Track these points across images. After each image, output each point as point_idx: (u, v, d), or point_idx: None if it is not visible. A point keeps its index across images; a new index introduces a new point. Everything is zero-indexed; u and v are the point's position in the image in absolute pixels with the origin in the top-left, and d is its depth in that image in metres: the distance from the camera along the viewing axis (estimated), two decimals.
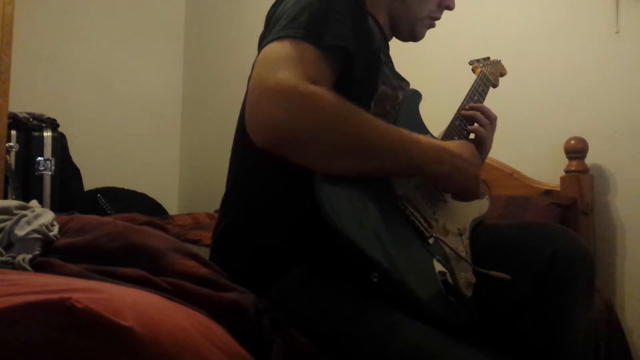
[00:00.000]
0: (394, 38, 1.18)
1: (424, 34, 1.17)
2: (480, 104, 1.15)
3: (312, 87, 0.80)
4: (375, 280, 0.77)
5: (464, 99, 1.16)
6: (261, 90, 0.80)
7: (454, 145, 0.95)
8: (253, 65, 1.00)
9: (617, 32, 1.87)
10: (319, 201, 0.79)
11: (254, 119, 0.82)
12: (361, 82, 0.93)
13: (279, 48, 0.84)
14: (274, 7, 0.98)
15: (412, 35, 1.16)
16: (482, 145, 1.10)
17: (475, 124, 1.10)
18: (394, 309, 0.81)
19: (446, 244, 0.91)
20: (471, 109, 1.12)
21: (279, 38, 0.85)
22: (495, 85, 1.29)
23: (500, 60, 1.37)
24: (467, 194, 0.95)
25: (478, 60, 1.33)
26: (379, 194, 0.87)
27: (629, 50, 1.85)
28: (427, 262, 0.87)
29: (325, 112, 0.80)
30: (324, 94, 0.80)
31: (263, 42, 0.90)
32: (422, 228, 0.90)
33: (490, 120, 1.12)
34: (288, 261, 0.90)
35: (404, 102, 1.06)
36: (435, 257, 0.88)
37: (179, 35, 3.39)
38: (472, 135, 1.12)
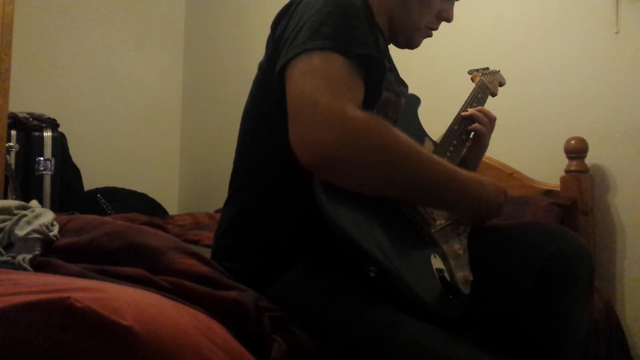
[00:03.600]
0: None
1: (420, 43, 1.18)
2: (480, 106, 1.17)
3: (361, 114, 0.82)
4: (372, 274, 0.78)
5: (463, 105, 1.18)
6: (310, 113, 0.81)
7: (488, 182, 0.99)
8: (259, 67, 1.01)
9: (617, 32, 1.87)
10: (319, 200, 0.80)
11: (303, 140, 0.82)
12: (367, 89, 0.93)
13: (313, 63, 0.85)
14: (284, 15, 0.97)
15: (409, 43, 1.17)
16: (480, 142, 1.11)
17: (475, 123, 1.11)
18: (396, 308, 0.81)
19: (443, 242, 0.92)
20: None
21: (306, 51, 0.85)
22: (494, 94, 1.30)
23: (499, 71, 1.39)
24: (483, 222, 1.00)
25: (477, 70, 1.34)
26: None
27: (629, 50, 1.85)
28: (424, 259, 0.88)
29: (374, 141, 0.82)
30: (372, 120, 0.83)
31: (284, 53, 0.89)
32: (419, 226, 0.91)
33: (490, 120, 1.14)
34: (289, 260, 0.90)
35: (403, 107, 1.07)
36: (432, 254, 0.89)
37: (179, 35, 3.39)
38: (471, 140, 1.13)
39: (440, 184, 0.89)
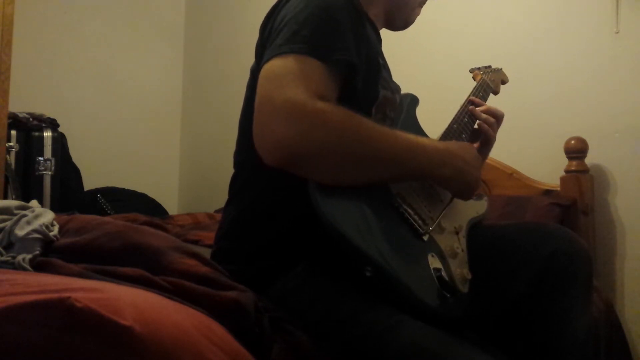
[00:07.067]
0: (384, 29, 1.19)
1: (414, 20, 1.21)
2: (485, 104, 1.16)
3: (320, 104, 0.80)
4: (368, 274, 0.78)
5: (463, 103, 1.17)
6: (270, 110, 0.80)
7: (456, 146, 0.96)
8: (251, 72, 1.01)
9: (617, 32, 1.87)
10: (314, 199, 0.80)
11: (264, 139, 0.81)
12: (363, 91, 0.93)
13: (284, 64, 0.83)
14: (270, 17, 0.97)
15: (406, 24, 1.20)
16: (487, 142, 1.11)
17: (483, 124, 1.12)
18: (395, 309, 0.81)
19: (441, 241, 0.92)
20: (475, 104, 1.14)
21: (282, 53, 0.84)
22: (496, 92, 1.30)
23: (501, 69, 1.38)
24: (466, 194, 0.97)
25: (479, 68, 1.33)
26: (373, 191, 0.88)
27: (629, 50, 1.85)
28: (421, 258, 0.88)
29: (335, 128, 0.80)
30: (332, 109, 0.80)
31: (264, 54, 0.89)
32: (416, 225, 0.91)
33: (497, 118, 1.14)
34: (289, 261, 0.90)
35: (402, 106, 1.07)
36: (430, 253, 0.89)
37: (179, 36, 3.39)
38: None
39: (411, 154, 0.87)
